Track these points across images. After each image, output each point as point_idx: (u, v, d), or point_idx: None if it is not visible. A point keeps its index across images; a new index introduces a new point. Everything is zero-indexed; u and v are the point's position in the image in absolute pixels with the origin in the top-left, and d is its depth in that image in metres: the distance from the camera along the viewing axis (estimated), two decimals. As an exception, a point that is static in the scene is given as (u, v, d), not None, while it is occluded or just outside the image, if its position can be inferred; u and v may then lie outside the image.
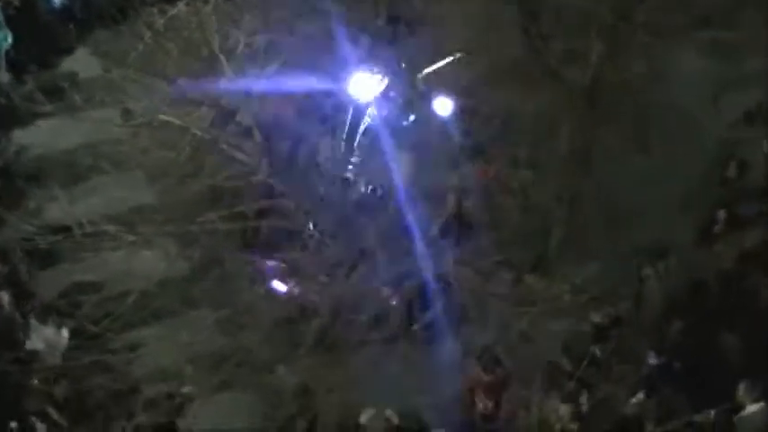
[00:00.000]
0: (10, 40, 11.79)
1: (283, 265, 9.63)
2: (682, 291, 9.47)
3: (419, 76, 9.58)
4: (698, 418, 8.52)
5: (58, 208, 9.99)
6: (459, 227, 10.00)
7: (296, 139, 9.84)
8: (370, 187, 9.71)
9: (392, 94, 9.56)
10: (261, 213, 9.68)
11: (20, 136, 11.30)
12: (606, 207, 10.01)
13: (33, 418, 8.89)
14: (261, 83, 9.34)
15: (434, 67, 9.61)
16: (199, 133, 9.35)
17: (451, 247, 9.46)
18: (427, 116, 9.60)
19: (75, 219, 9.13)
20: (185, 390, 9.13)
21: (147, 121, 9.49)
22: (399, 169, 9.26)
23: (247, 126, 9.49)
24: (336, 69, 9.50)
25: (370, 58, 9.49)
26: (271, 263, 9.64)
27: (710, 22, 9.54)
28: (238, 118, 9.56)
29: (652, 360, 9.19)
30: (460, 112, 9.64)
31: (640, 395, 8.95)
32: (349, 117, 9.91)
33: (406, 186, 9.53)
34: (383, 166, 9.31)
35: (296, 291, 9.65)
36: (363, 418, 8.99)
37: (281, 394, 9.48)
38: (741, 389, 8.30)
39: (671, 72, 9.80)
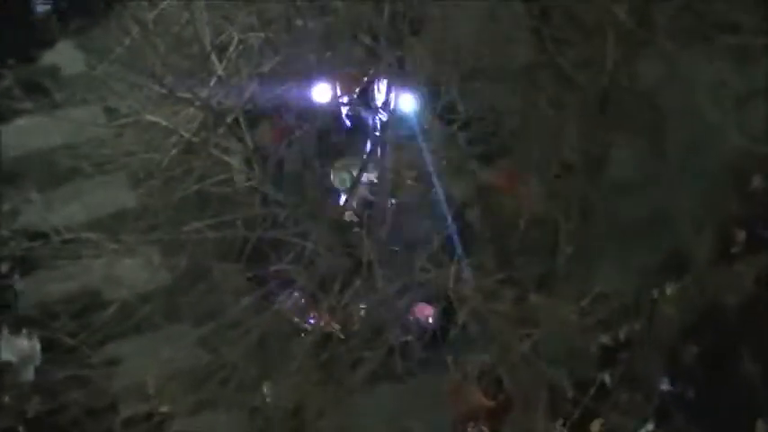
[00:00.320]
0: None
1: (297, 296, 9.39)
2: (698, 313, 9.29)
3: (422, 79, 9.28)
4: (712, 451, 8.25)
5: (35, 212, 9.88)
6: (460, 241, 9.62)
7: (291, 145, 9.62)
8: (369, 197, 9.48)
9: (393, 97, 9.28)
10: (251, 222, 9.34)
11: (-5, 134, 11.14)
12: (618, 221, 9.76)
13: (2, 437, 8.68)
14: (255, 83, 9.15)
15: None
16: (187, 135, 9.14)
17: (453, 262, 9.13)
18: (430, 122, 9.35)
19: (52, 224, 8.94)
20: (165, 408, 9.07)
21: (131, 121, 9.32)
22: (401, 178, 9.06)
23: (239, 129, 9.24)
24: (336, 69, 9.41)
25: (371, 59, 9.24)
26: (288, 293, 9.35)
27: (735, 26, 9.19)
28: (230, 120, 9.25)
29: (664, 387, 9.07)
30: (466, 118, 9.36)
31: (650, 425, 8.87)
32: (348, 121, 10.03)
33: (408, 196, 9.41)
34: (383, 175, 9.13)
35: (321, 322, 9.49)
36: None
37: (269, 415, 9.37)
38: (760, 426, 8.00)
39: (691, 79, 9.48)
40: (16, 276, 10.30)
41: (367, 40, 9.33)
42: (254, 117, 9.77)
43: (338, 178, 10.63)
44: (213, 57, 9.11)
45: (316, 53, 9.20)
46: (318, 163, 9.52)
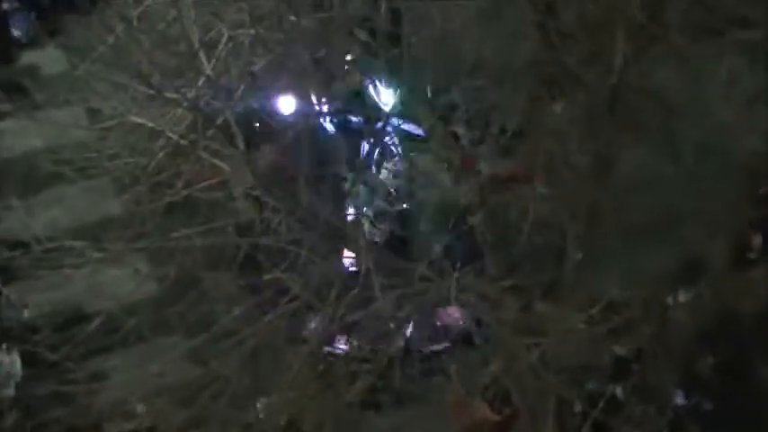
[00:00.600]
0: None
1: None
2: (713, 321, 9.04)
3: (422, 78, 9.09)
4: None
5: (15, 220, 9.71)
6: (463, 247, 9.60)
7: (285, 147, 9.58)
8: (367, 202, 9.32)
9: (392, 96, 9.23)
10: (243, 228, 9.24)
11: (-27, 138, 11.08)
12: (628, 225, 9.35)
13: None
14: (246, 82, 9.07)
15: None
16: (174, 138, 9.02)
17: (455, 269, 8.88)
18: (431, 123, 9.14)
19: (33, 232, 8.75)
20: (153, 426, 8.75)
21: (116, 123, 9.21)
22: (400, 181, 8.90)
23: (230, 131, 9.03)
24: (331, 68, 9.27)
25: (368, 56, 9.18)
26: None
27: (750, 21, 8.95)
28: (220, 121, 9.07)
29: (679, 400, 8.92)
30: (467, 118, 9.23)
31: (665, 440, 8.56)
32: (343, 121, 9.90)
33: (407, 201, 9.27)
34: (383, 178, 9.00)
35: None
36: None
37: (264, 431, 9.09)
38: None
39: (703, 76, 9.24)
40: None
41: (363, 36, 9.23)
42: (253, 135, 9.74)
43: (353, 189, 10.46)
44: (202, 55, 8.96)
45: (309, 51, 9.03)
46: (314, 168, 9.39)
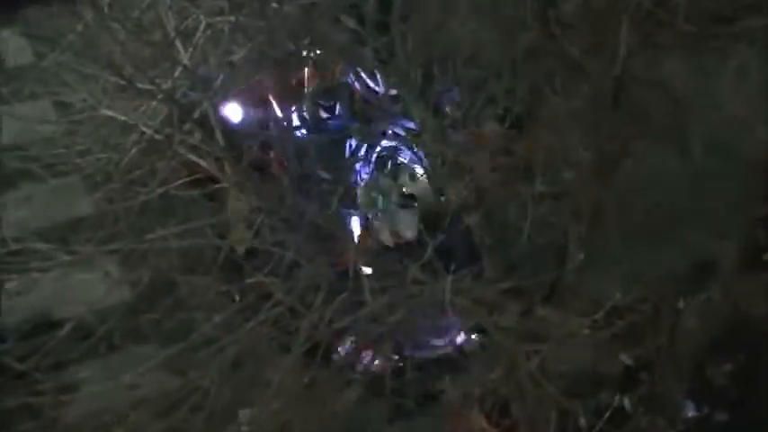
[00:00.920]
0: None
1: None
2: (727, 327, 8.87)
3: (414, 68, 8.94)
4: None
5: None
6: (458, 247, 9.34)
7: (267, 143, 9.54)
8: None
9: (381, 89, 9.13)
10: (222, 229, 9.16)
11: (-68, 134, 10.91)
12: (633, 225, 9.21)
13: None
14: (225, 73, 8.88)
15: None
16: (149, 132, 8.84)
17: (449, 271, 8.76)
18: (423, 117, 8.94)
19: None
20: (128, 441, 8.57)
21: (86, 116, 9.08)
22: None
23: (208, 125, 8.90)
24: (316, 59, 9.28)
25: (356, 45, 8.96)
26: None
27: (762, 7, 8.73)
28: (197, 115, 8.91)
29: (690, 412, 8.70)
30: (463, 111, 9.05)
31: (675, 453, 8.44)
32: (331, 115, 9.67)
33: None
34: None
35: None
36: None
37: (246, 446, 9.04)
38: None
39: (714, 66, 9.03)
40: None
41: (351, 23, 9.03)
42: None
43: (366, 198, 10.21)
44: (178, 44, 8.79)
45: (293, 39, 8.93)
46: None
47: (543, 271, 9.27)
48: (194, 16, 8.87)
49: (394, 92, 9.01)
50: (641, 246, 9.26)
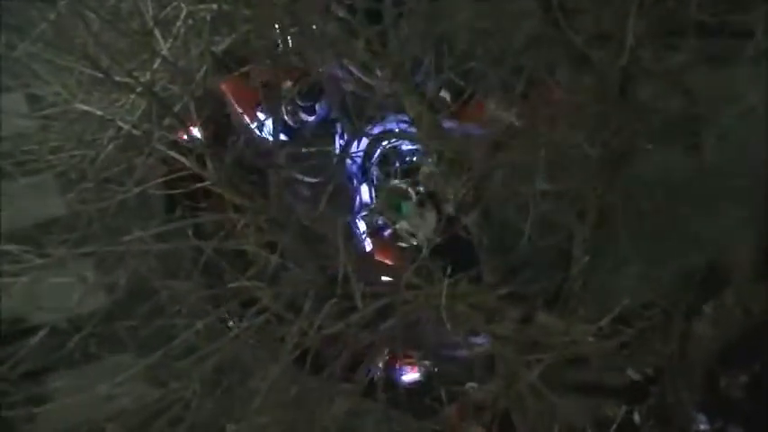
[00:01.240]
0: None
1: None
2: (742, 335, 8.53)
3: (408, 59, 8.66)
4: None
5: None
6: (454, 250, 9.03)
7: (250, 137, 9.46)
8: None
9: (375, 83, 8.67)
10: (205, 230, 8.87)
11: None
12: (642, 226, 8.97)
13: None
14: (207, 64, 8.76)
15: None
16: (126, 127, 8.66)
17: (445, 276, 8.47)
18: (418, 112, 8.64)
19: None
20: (103, 456, 8.46)
21: (60, 111, 8.91)
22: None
23: (189, 119, 8.70)
24: (304, 49, 8.84)
25: (348, 35, 8.60)
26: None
27: None
28: (177, 109, 8.75)
29: (702, 426, 8.37)
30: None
31: (687, 469, 8.20)
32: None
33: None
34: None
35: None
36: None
37: (230, 462, 8.95)
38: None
39: (728, 56, 8.81)
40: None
41: (342, 12, 8.73)
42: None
43: (390, 202, 9.95)
44: (157, 34, 8.57)
45: (279, 29, 8.68)
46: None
47: (546, 275, 9.11)
48: (174, 4, 8.69)
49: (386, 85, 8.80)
50: (650, 248, 9.12)
